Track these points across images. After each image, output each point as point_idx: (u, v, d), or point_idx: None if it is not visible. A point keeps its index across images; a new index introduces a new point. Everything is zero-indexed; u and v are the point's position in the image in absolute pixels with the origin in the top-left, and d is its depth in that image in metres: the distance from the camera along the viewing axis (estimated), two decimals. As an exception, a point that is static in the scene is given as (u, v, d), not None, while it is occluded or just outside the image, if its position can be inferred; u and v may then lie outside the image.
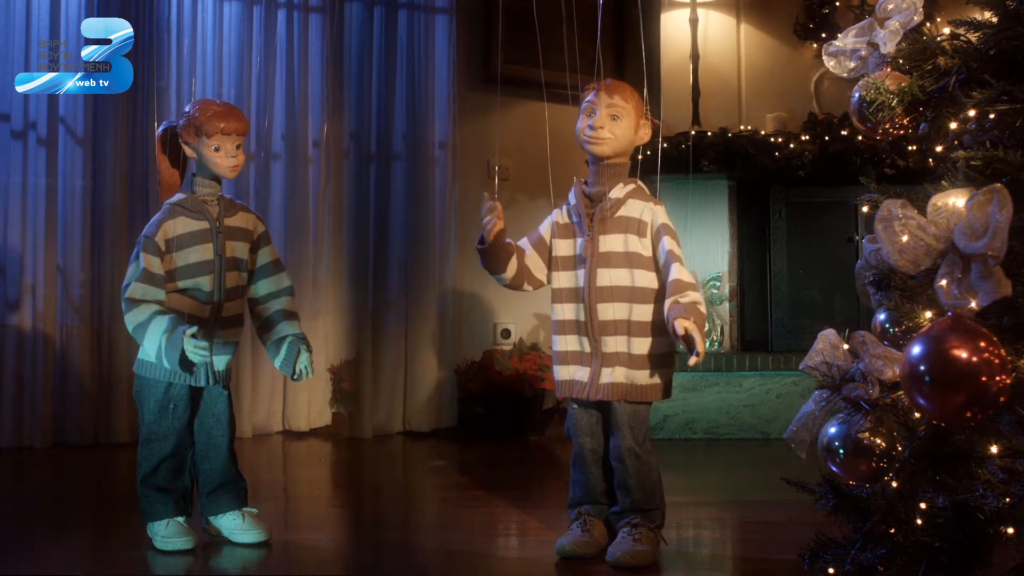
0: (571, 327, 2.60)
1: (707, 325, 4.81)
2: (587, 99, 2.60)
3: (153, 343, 2.54)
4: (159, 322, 2.54)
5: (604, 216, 2.55)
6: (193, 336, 2.49)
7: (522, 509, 3.18)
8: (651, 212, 2.55)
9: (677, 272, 2.46)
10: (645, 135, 2.61)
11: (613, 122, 2.55)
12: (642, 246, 2.54)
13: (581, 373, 2.58)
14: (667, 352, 2.56)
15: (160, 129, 2.76)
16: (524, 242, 2.69)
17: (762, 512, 3.15)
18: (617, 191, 2.56)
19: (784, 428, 1.96)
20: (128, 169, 4.44)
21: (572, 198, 2.64)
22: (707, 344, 4.76)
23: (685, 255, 2.54)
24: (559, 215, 2.68)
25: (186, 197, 2.69)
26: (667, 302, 2.43)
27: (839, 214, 4.99)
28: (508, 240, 2.63)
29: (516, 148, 5.10)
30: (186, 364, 2.52)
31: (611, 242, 2.55)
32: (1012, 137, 1.76)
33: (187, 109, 2.70)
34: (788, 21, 5.17)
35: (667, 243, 2.52)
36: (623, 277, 2.52)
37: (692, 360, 2.34)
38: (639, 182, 2.62)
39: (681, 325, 2.34)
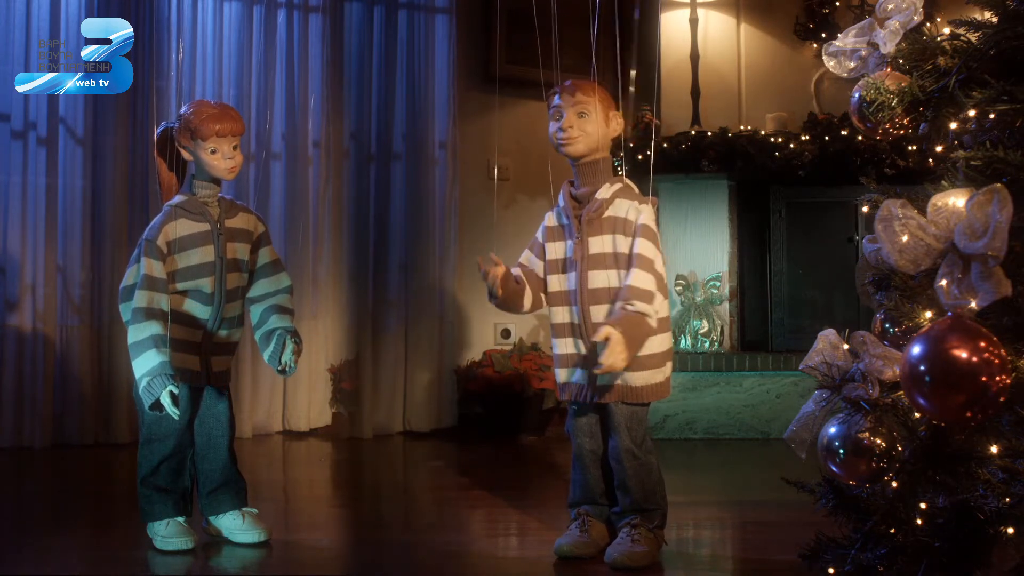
0: (567, 330, 2.60)
1: (706, 325, 4.86)
2: (553, 104, 2.60)
3: (138, 371, 2.52)
4: (151, 357, 2.51)
5: (592, 217, 2.54)
6: (173, 395, 2.47)
7: (522, 509, 3.18)
8: (636, 211, 2.52)
9: (634, 278, 2.44)
10: (617, 127, 2.60)
11: (581, 120, 2.55)
12: (628, 246, 2.51)
13: (579, 375, 2.58)
14: (661, 352, 2.54)
15: (158, 131, 2.75)
16: (532, 260, 2.68)
17: (762, 512, 3.15)
18: (604, 191, 2.55)
19: (784, 428, 1.96)
20: (128, 169, 4.44)
21: (561, 200, 2.63)
22: (707, 344, 4.82)
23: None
24: (550, 218, 2.67)
25: (187, 199, 2.68)
26: (616, 306, 2.44)
27: (839, 214, 4.98)
28: (516, 276, 2.64)
29: (516, 148, 5.10)
30: (155, 407, 2.50)
31: (600, 243, 2.53)
32: (1012, 137, 1.75)
33: (182, 112, 2.68)
34: (788, 21, 5.17)
35: (639, 245, 2.48)
36: (613, 278, 2.51)
37: (597, 370, 2.35)
38: (626, 180, 2.60)
39: (605, 331, 2.32)
